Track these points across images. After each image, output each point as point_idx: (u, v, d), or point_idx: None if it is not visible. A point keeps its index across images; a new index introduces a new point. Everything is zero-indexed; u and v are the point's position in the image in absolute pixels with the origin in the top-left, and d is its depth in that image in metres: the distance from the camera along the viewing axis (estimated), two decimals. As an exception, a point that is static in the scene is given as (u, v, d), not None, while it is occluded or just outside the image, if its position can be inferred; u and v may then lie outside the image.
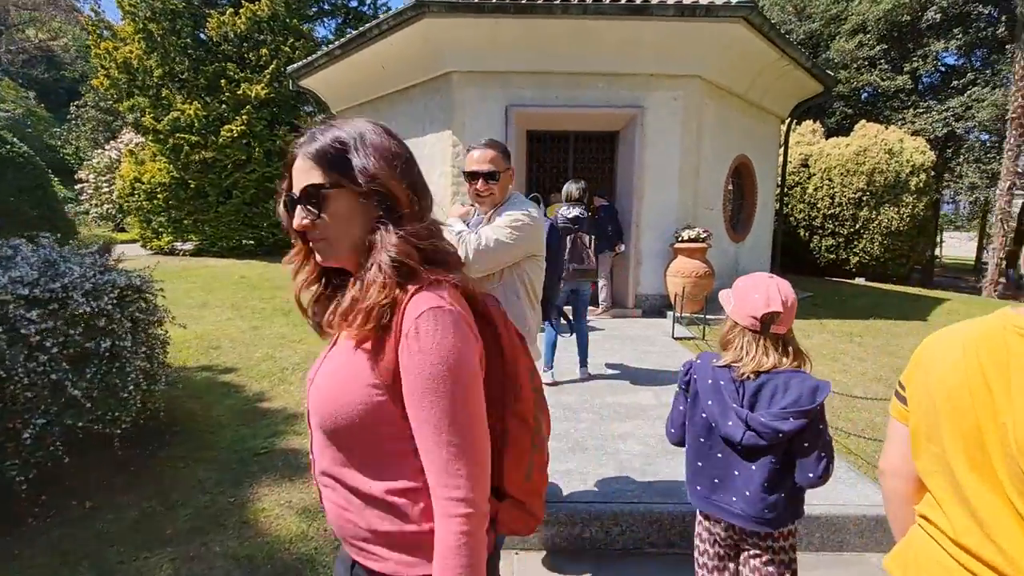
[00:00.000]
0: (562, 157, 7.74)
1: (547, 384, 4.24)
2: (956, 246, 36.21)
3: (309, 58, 8.60)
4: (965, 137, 19.90)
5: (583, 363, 4.46)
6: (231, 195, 14.25)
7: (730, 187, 8.48)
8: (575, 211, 4.34)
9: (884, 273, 14.00)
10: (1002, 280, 14.05)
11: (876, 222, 13.65)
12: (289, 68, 9.11)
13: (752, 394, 1.46)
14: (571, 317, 4.43)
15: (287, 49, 13.84)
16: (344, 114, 9.40)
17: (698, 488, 1.57)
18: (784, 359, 1.48)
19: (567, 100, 7.03)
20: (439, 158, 7.30)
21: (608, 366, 4.78)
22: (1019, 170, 13.62)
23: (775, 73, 8.29)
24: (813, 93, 9.59)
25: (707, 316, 6.35)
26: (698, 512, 1.64)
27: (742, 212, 9.35)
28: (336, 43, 7.88)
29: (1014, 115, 13.27)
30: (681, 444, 1.66)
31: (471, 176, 2.02)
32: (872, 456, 3.22)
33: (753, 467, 1.46)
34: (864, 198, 13.71)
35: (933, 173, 14.25)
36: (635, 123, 7.07)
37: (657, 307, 7.30)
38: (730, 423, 1.46)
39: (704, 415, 1.53)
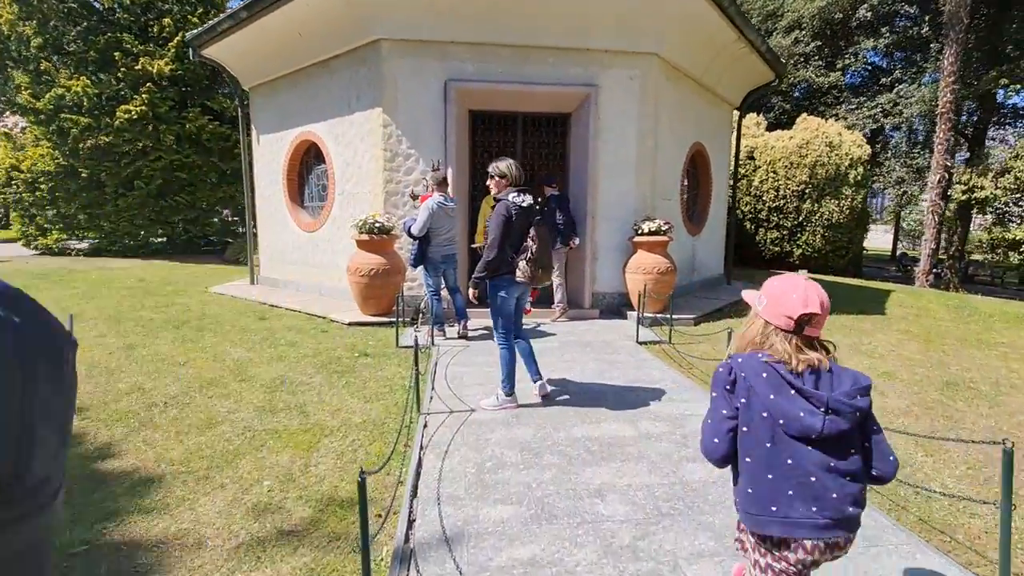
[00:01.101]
0: (510, 141, 6.93)
1: (510, 409, 3.46)
2: (872, 238, 38.65)
3: (211, 22, 7.32)
4: (891, 134, 20.79)
5: (535, 374, 3.68)
6: (133, 186, 12.48)
7: (685, 179, 7.98)
8: (529, 197, 3.50)
9: (825, 265, 14.18)
10: (935, 271, 14.58)
11: (818, 214, 13.77)
12: (188, 34, 7.76)
13: (812, 385, 1.34)
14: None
15: (195, 20, 12.24)
16: (258, 91, 8.16)
17: (772, 509, 1.32)
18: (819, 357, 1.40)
19: (514, 76, 6.23)
20: (368, 140, 6.32)
21: (569, 383, 4.04)
22: (948, 164, 14.10)
23: (731, 56, 7.85)
24: (764, 80, 9.29)
25: (673, 316, 5.75)
26: (758, 546, 1.38)
27: (697, 203, 8.91)
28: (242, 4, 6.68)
29: (943, 110, 13.67)
30: (727, 461, 1.42)
31: None
32: (892, 492, 2.64)
33: (832, 463, 1.31)
34: (807, 191, 13.80)
35: (869, 166, 14.57)
36: (589, 103, 6.37)
37: (616, 306, 6.66)
38: (802, 414, 1.30)
39: (766, 414, 1.34)
